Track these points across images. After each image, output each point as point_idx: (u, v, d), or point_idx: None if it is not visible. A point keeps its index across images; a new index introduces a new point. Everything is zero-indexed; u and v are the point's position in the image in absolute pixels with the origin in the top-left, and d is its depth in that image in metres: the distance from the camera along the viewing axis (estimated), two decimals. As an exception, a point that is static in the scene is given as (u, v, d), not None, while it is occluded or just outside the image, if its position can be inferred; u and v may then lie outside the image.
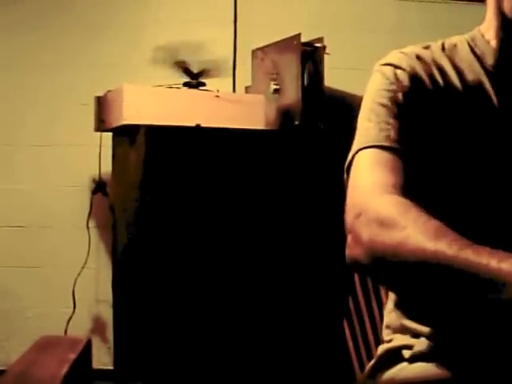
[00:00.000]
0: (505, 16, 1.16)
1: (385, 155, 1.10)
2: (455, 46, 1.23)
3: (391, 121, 1.13)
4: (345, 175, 1.17)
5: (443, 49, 1.22)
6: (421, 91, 1.16)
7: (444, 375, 1.10)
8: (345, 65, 3.38)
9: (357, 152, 1.14)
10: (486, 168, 1.13)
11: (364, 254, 1.03)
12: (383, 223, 1.00)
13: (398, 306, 1.22)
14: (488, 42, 1.21)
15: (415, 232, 0.96)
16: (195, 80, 2.94)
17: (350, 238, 1.06)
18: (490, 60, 1.20)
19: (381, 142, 1.11)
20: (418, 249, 0.94)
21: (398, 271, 1.01)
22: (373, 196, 1.05)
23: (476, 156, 1.13)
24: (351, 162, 1.15)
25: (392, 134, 1.12)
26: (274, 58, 3.10)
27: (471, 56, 1.21)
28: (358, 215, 1.04)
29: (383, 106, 1.15)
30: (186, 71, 2.94)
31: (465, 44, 1.23)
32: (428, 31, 3.31)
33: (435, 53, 1.21)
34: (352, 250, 1.06)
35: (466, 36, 1.25)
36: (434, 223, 0.96)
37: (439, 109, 1.15)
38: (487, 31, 1.22)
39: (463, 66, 1.19)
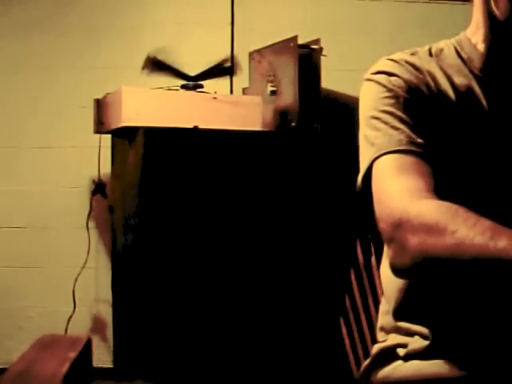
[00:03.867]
0: (495, 18, 1.15)
1: (406, 159, 1.09)
2: (442, 50, 1.22)
3: (399, 125, 1.12)
4: (358, 185, 1.16)
5: (430, 54, 1.22)
6: (416, 97, 1.15)
7: (439, 373, 1.12)
8: (341, 66, 3.36)
9: (373, 161, 1.12)
10: (481, 171, 1.13)
11: (413, 260, 1.02)
12: (431, 228, 0.99)
13: (394, 307, 1.23)
14: (475, 46, 1.20)
15: (470, 234, 0.95)
16: (193, 82, 2.96)
17: (393, 247, 1.05)
18: (477, 64, 1.19)
19: (397, 147, 1.10)
20: (480, 250, 0.94)
21: (457, 273, 1.02)
22: (410, 202, 1.03)
23: (470, 160, 1.13)
24: (367, 171, 1.13)
25: (404, 137, 1.11)
26: (271, 60, 3.10)
27: (458, 60, 1.20)
28: (399, 223, 1.03)
29: (387, 112, 1.14)
30: (177, 72, 2.97)
31: (451, 48, 1.22)
32: (424, 32, 3.31)
33: (423, 58, 1.20)
34: (398, 259, 1.04)
35: (453, 40, 1.24)
36: (486, 223, 0.96)
37: (434, 114, 1.15)
38: (474, 34, 1.21)
39: (451, 70, 1.19)
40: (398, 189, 1.06)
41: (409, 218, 1.02)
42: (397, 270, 1.08)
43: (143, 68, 3.00)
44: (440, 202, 1.02)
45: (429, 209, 1.02)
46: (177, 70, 2.99)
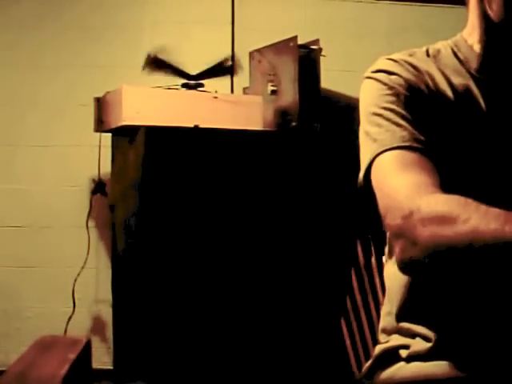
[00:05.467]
0: (490, 20, 1.16)
1: (410, 155, 1.09)
2: (439, 51, 1.23)
3: (402, 122, 1.12)
4: (360, 181, 1.16)
5: (428, 55, 1.23)
6: (416, 95, 1.16)
7: (441, 374, 1.12)
8: (340, 67, 3.39)
9: (375, 157, 1.12)
10: (480, 169, 1.14)
11: (424, 253, 1.00)
12: (443, 218, 0.98)
13: (397, 308, 1.22)
14: (471, 47, 1.22)
15: (484, 220, 0.95)
16: (193, 81, 2.96)
17: (401, 241, 1.03)
18: (474, 65, 1.20)
19: (401, 143, 1.10)
20: (497, 234, 0.93)
21: (473, 261, 0.99)
22: (418, 196, 1.03)
23: (469, 159, 1.14)
24: (369, 168, 1.13)
25: (407, 134, 1.11)
26: (272, 60, 3.11)
27: (455, 61, 1.22)
28: (408, 216, 1.01)
29: (388, 109, 1.14)
30: (178, 71, 2.97)
31: (448, 49, 1.24)
32: (420, 35, 3.35)
33: (421, 59, 1.21)
34: (407, 252, 1.03)
35: (449, 41, 1.25)
36: (497, 210, 0.96)
37: (434, 112, 1.15)
38: (470, 36, 1.22)
39: (449, 70, 1.20)
40: (405, 183, 1.06)
41: (419, 210, 1.01)
42: (405, 265, 1.06)
43: (144, 67, 3.00)
44: (449, 195, 1.02)
45: (439, 201, 1.01)
46: (177, 69, 2.99)
